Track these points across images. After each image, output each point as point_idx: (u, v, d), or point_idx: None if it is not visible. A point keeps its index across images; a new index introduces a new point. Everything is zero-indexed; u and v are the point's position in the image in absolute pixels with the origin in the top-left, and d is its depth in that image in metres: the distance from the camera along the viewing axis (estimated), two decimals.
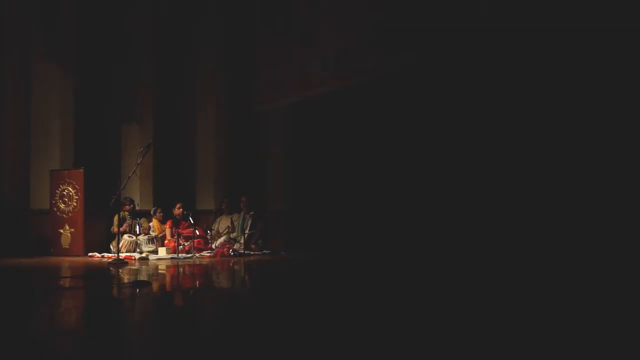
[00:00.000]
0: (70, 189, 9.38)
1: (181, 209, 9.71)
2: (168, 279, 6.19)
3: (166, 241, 9.44)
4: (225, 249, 9.01)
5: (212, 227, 10.05)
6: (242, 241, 9.42)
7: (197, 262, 7.98)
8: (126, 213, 9.53)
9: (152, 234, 9.56)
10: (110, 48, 11.00)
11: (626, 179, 6.08)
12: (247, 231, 9.62)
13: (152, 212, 10.00)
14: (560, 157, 6.76)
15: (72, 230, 9.32)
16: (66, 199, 9.40)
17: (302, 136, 11.72)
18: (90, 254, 9.04)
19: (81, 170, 9.46)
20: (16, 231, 9.47)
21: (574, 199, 6.49)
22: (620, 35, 5.96)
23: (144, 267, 7.22)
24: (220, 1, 11.79)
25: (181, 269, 6.99)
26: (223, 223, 10.15)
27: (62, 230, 9.38)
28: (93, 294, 4.52)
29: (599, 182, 6.26)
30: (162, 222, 9.88)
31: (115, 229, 8.71)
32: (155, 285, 5.16)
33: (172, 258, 8.54)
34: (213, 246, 9.42)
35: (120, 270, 6.57)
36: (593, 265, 6.02)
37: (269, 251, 9.61)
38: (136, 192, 10.21)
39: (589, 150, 6.43)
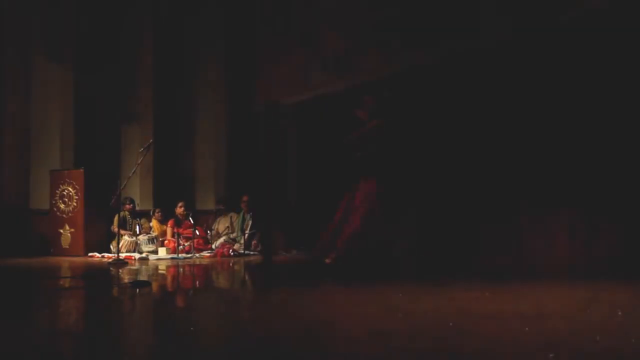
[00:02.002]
0: (70, 189, 9.38)
1: (182, 208, 9.72)
2: (168, 279, 6.19)
3: (166, 241, 9.44)
4: (225, 249, 9.00)
5: (212, 227, 10.06)
6: (242, 241, 9.42)
7: (197, 262, 7.98)
8: (126, 213, 9.55)
9: (153, 234, 9.57)
10: (110, 48, 11.00)
11: None
12: (247, 231, 9.62)
13: (151, 212, 10.01)
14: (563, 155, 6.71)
15: (72, 230, 9.32)
16: (66, 199, 9.40)
17: (303, 136, 11.70)
18: (90, 254, 9.04)
19: (81, 170, 9.47)
20: (16, 231, 9.47)
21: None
22: None
23: (144, 267, 7.22)
24: (220, 1, 11.80)
25: (181, 269, 6.99)
26: (222, 223, 10.16)
27: (62, 230, 9.38)
28: (93, 294, 4.52)
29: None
30: (162, 222, 9.89)
31: (115, 228, 8.71)
32: (155, 286, 5.16)
33: (172, 258, 8.53)
34: (213, 246, 9.43)
35: (120, 270, 6.57)
36: None
37: None
38: (136, 192, 10.22)
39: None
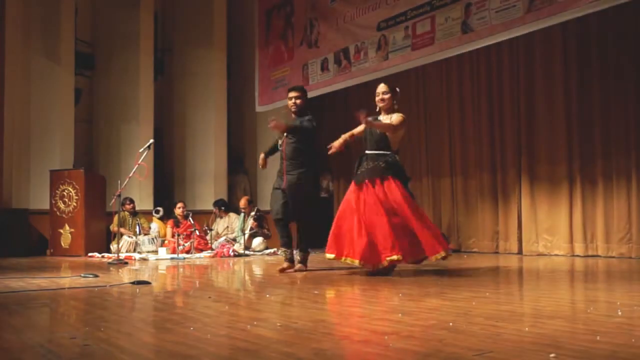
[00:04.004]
0: (70, 189, 9.38)
1: (181, 209, 9.73)
2: (168, 279, 6.19)
3: (166, 241, 9.44)
4: (225, 250, 8.99)
5: (212, 228, 10.06)
6: (241, 241, 9.42)
7: (197, 263, 7.98)
8: (126, 213, 9.55)
9: (153, 234, 9.57)
10: (110, 47, 11.01)
11: None
12: (247, 231, 9.62)
13: (153, 212, 10.02)
14: None
15: (72, 230, 9.32)
16: (66, 199, 9.41)
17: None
18: (90, 254, 9.04)
19: (81, 170, 9.47)
20: (16, 231, 9.47)
21: None
22: None
23: (143, 267, 7.21)
24: (222, 1, 11.82)
25: (181, 269, 6.99)
26: (222, 224, 10.16)
27: (62, 230, 9.38)
28: (92, 294, 4.52)
29: None
30: (163, 222, 9.90)
31: (115, 228, 8.72)
32: (155, 285, 5.16)
33: (172, 258, 8.53)
34: (213, 246, 9.42)
35: (120, 270, 6.56)
36: None
37: (269, 251, 9.59)
38: (136, 192, 10.22)
39: None
